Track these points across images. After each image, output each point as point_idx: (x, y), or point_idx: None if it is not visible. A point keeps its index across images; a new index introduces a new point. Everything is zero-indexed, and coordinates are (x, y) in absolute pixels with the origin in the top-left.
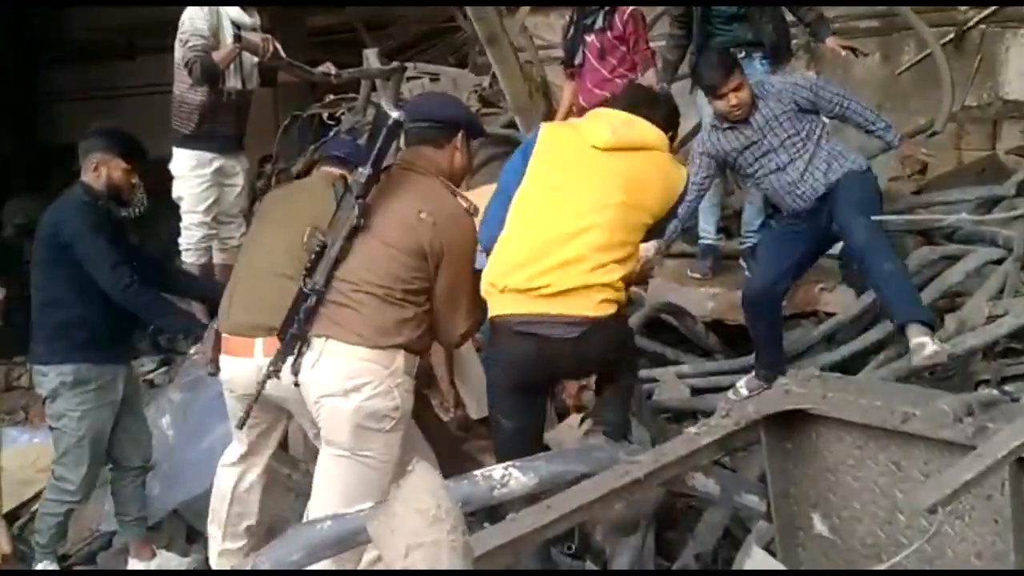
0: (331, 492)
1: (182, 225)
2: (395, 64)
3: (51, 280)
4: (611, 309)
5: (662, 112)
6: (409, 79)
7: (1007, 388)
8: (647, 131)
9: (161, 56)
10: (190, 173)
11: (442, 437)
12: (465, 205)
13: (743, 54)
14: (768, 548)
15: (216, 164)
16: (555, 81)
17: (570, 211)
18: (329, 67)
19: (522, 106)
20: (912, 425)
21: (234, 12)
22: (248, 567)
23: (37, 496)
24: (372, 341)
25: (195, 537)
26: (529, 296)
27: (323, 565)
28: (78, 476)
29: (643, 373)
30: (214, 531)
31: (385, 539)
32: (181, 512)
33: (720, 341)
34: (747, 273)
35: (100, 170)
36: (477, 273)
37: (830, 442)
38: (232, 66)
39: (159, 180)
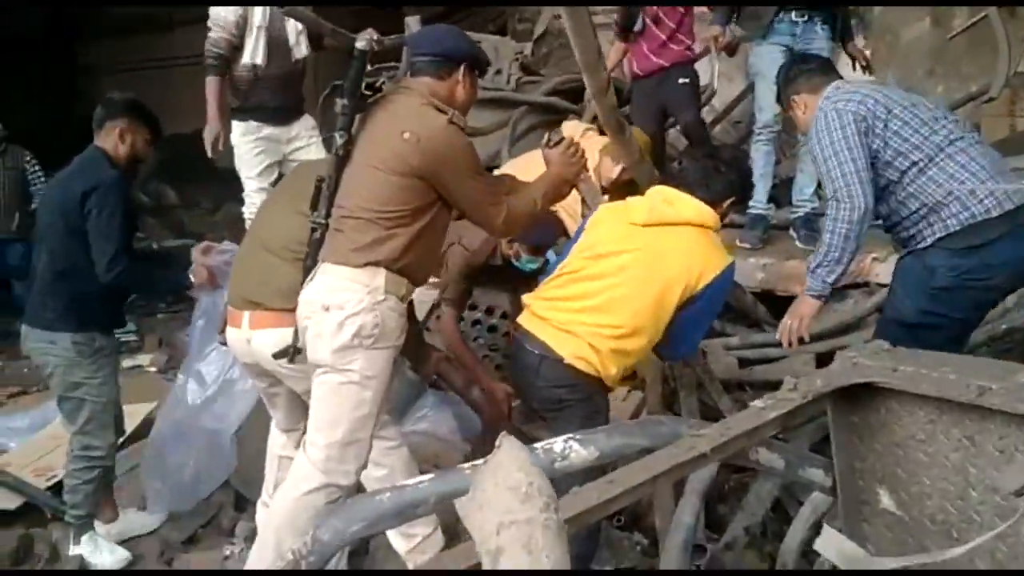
0: (320, 414)
1: (244, 195)
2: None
3: (72, 248)
4: (584, 367)
5: (720, 185)
6: None
7: None
8: (687, 209)
9: (199, 28)
10: (240, 141)
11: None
12: (447, 116)
13: (806, 17)
14: (830, 523)
15: (265, 132)
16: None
17: (595, 275)
18: (371, 33)
19: (591, 63)
20: (989, 399)
21: None
22: (307, 538)
23: None
24: (350, 260)
25: (244, 505)
26: (545, 322)
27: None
28: (105, 441)
29: None
30: (265, 498)
31: (474, 516)
32: (230, 479)
33: (769, 312)
34: (798, 243)
35: (126, 137)
36: (488, 169)
37: (900, 416)
38: (253, 44)
39: (199, 149)
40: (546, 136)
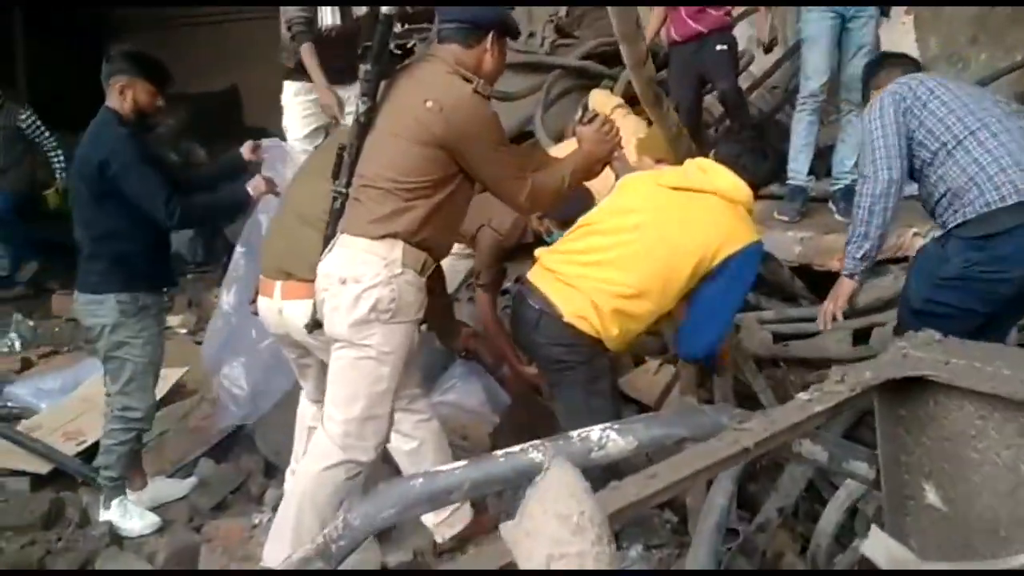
0: (338, 389)
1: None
2: None
3: (103, 215)
4: (583, 326)
5: (763, 170)
6: None
7: None
8: (723, 179)
9: None
10: (291, 101)
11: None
12: (472, 85)
13: None
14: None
15: (315, 95)
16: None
17: (609, 229)
18: None
19: (629, 34)
20: None
21: None
22: (338, 523)
23: None
24: (368, 231)
25: (273, 472)
26: (551, 274)
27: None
28: (144, 403)
29: None
30: (294, 465)
31: (521, 543)
32: (259, 447)
33: (806, 287)
34: (837, 216)
35: (126, 93)
36: (513, 142)
37: (949, 410)
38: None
39: (227, 109)
40: (579, 112)
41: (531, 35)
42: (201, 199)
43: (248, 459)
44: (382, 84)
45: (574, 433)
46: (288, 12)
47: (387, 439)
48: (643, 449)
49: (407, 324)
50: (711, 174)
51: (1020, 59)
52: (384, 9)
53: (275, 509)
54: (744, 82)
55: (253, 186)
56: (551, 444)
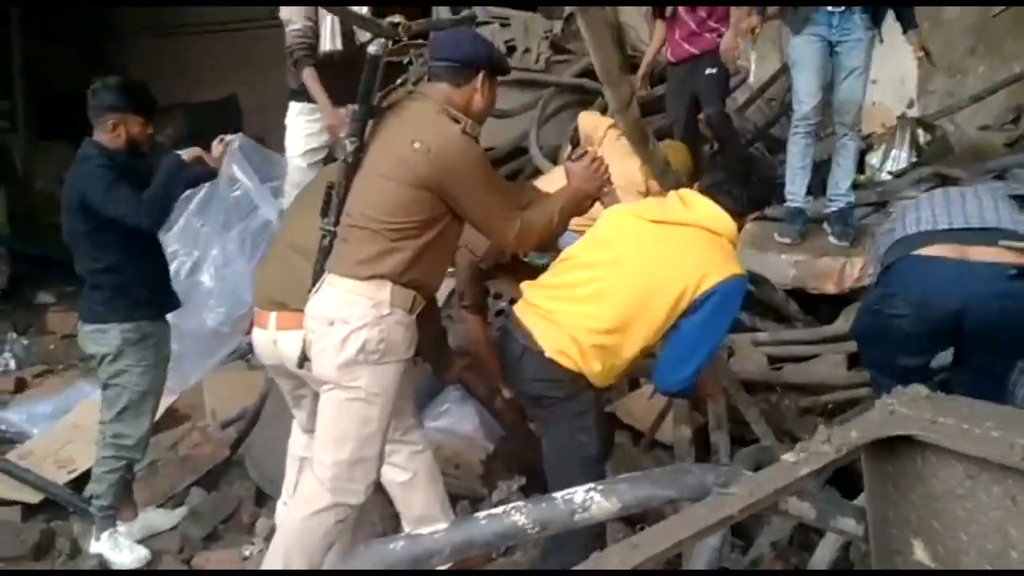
0: (326, 432)
1: (287, 172)
2: (465, 13)
3: (99, 249)
4: (564, 362)
5: (748, 196)
6: (479, 24)
7: None
8: (704, 211)
9: None
10: (294, 121)
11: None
12: (460, 126)
13: (843, 8)
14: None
15: (320, 114)
16: (627, 21)
17: (588, 263)
18: (397, 18)
19: (612, 79)
20: None
21: None
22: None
23: None
24: (355, 272)
25: (264, 501)
26: (533, 308)
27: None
28: (137, 432)
29: None
30: (285, 498)
31: None
32: (251, 475)
33: (801, 309)
34: (831, 238)
35: (119, 129)
36: (503, 181)
37: (937, 469)
38: (330, 29)
39: (226, 119)
40: (568, 148)
41: (526, 51)
42: (159, 191)
43: (239, 487)
44: (370, 123)
45: (558, 495)
46: (289, 36)
47: (377, 480)
48: (627, 511)
49: (396, 364)
50: (692, 207)
51: (1018, 71)
52: (371, 49)
53: (267, 540)
54: (742, 95)
55: (188, 153)
56: (534, 507)
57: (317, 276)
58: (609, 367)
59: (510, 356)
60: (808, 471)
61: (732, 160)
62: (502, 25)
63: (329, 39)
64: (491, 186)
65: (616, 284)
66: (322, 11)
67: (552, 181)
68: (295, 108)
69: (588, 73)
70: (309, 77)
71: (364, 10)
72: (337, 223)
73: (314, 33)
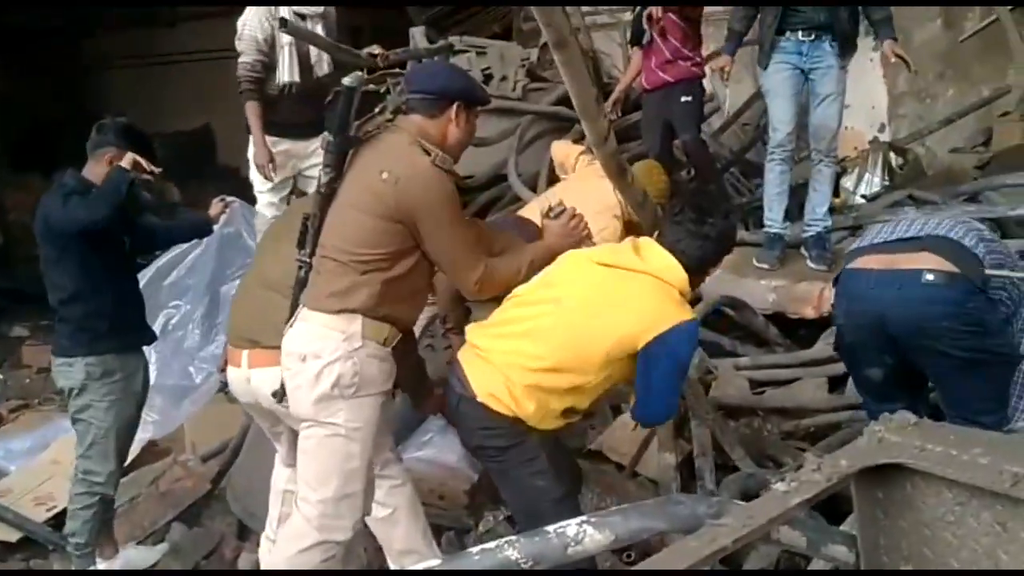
0: (309, 470)
1: (256, 208)
2: (442, 42)
3: (64, 277)
4: (496, 406)
5: (702, 253)
6: (455, 52)
7: None
8: (657, 261)
9: (202, 24)
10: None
11: None
12: (430, 158)
13: (812, 36)
14: None
15: (282, 146)
16: (601, 49)
17: (532, 301)
18: (376, 49)
19: (590, 112)
20: (1023, 490)
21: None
22: None
23: None
24: (326, 306)
25: (246, 535)
26: (472, 349)
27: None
28: (105, 469)
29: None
30: (267, 534)
31: None
32: (233, 509)
33: (781, 333)
34: (809, 263)
35: (114, 164)
36: (474, 222)
37: (927, 496)
38: (287, 61)
39: (200, 149)
40: (546, 205)
41: (503, 79)
42: (107, 190)
43: (221, 522)
44: (349, 154)
45: (550, 528)
46: (239, 69)
47: (364, 515)
48: (620, 543)
49: (374, 397)
50: (645, 255)
51: (987, 94)
52: (346, 81)
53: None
54: (717, 120)
55: (127, 161)
56: (527, 540)
57: (294, 309)
58: (544, 408)
59: (450, 407)
60: (800, 500)
61: (685, 217)
62: (478, 54)
63: (287, 71)
64: (457, 223)
65: (555, 322)
66: (280, 43)
67: (560, 194)
68: (252, 143)
69: (565, 101)
70: (250, 110)
71: (324, 70)
72: (312, 254)
73: (264, 67)
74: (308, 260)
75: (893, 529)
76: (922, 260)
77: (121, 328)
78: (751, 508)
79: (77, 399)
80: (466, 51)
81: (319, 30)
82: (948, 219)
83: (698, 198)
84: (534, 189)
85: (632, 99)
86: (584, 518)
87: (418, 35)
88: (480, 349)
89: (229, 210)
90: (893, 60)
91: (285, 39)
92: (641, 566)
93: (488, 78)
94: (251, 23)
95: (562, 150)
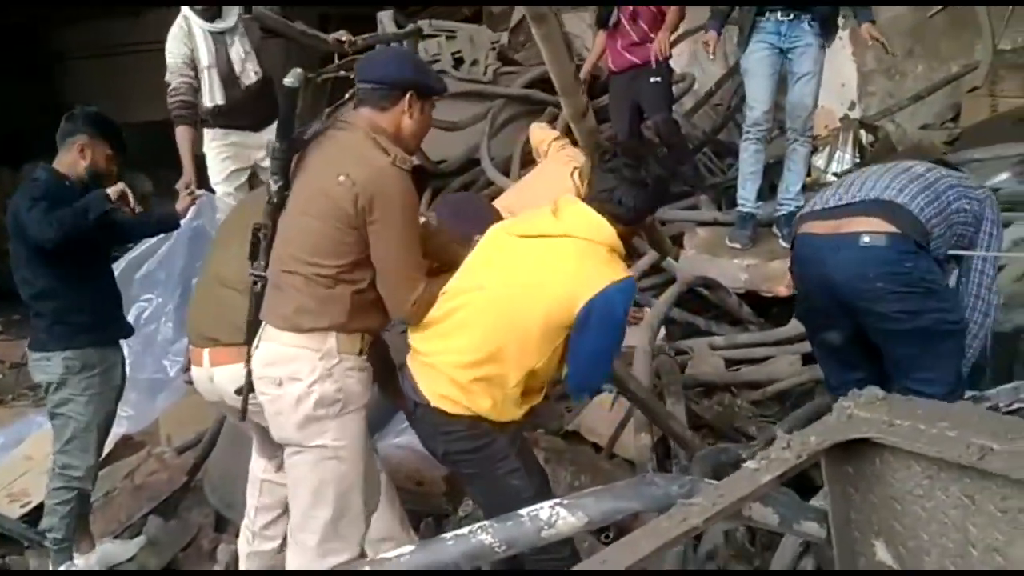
0: (303, 498)
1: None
2: (410, 26)
3: (34, 273)
4: (451, 408)
5: (637, 202)
6: (425, 37)
7: None
8: (578, 220)
9: (172, 12)
10: (208, 147)
11: None
12: (389, 158)
13: (792, 16)
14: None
15: (232, 138)
16: (572, 31)
17: (453, 292)
18: (343, 34)
19: (568, 88)
20: (989, 462)
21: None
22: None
23: None
24: (295, 324)
25: (224, 526)
26: (415, 355)
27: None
28: (84, 463)
29: (675, 344)
30: (247, 524)
31: None
32: (210, 500)
33: (754, 312)
34: (782, 242)
35: (85, 152)
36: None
37: (896, 469)
38: (207, 84)
39: (168, 139)
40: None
41: (474, 63)
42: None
43: (198, 514)
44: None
45: (524, 512)
46: (169, 96)
47: (367, 528)
48: (594, 525)
49: (359, 411)
50: (564, 217)
51: (956, 70)
52: (287, 81)
53: (228, 567)
54: (689, 100)
55: (114, 190)
56: (500, 525)
57: (253, 326)
58: (501, 399)
59: (408, 416)
60: (769, 478)
61: (619, 164)
62: (448, 38)
63: (209, 94)
64: (411, 229)
65: (480, 309)
66: (202, 65)
67: (517, 195)
68: (208, 135)
69: (536, 84)
70: (179, 136)
71: (252, 80)
72: (267, 267)
73: (193, 90)
74: (263, 274)
75: (863, 504)
76: (861, 223)
77: (99, 322)
78: (722, 487)
79: (56, 394)
80: (436, 35)
81: (237, 43)
82: (902, 176)
83: (630, 144)
84: (507, 173)
85: (601, 82)
86: (557, 501)
87: (386, 19)
88: (421, 353)
89: (198, 203)
90: (871, 43)
91: (204, 63)
92: (613, 546)
93: (459, 62)
94: (171, 49)
95: (537, 134)
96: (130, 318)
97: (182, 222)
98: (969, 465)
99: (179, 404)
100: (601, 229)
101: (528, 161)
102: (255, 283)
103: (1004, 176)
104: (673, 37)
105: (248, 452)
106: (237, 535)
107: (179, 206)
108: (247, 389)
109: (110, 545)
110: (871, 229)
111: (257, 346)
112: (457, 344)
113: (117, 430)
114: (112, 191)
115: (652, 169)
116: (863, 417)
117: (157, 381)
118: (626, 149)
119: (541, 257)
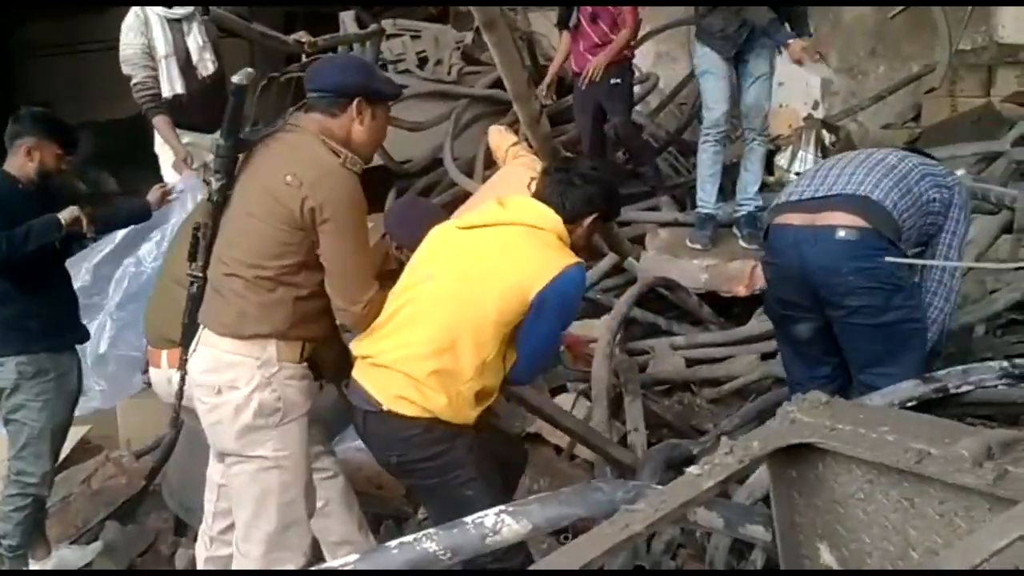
0: (245, 509)
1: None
2: (373, 27)
3: None
4: (407, 410)
5: (573, 201)
6: (389, 36)
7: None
8: (525, 210)
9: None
10: (162, 148)
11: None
12: (339, 160)
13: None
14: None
15: (187, 138)
16: (538, 31)
17: (404, 286)
18: (303, 35)
19: (522, 94)
20: (926, 467)
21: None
22: None
23: None
24: (234, 330)
25: (183, 531)
26: (363, 362)
27: None
28: (39, 469)
29: (637, 344)
30: (204, 529)
31: None
32: (168, 505)
33: (714, 312)
34: (741, 242)
35: (33, 154)
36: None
37: (838, 474)
38: (166, 74)
39: (137, 133)
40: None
41: (438, 63)
42: (32, 223)
43: (156, 519)
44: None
45: (468, 519)
46: (135, 91)
47: (311, 537)
48: (540, 532)
49: (299, 420)
50: (511, 208)
51: (917, 70)
52: (235, 79)
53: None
54: (654, 99)
55: (67, 214)
56: (445, 533)
57: (189, 331)
58: (456, 395)
59: (357, 429)
60: (712, 483)
61: (551, 169)
62: (412, 37)
63: (167, 84)
64: (361, 231)
65: (435, 298)
66: (159, 55)
67: (486, 194)
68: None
69: (500, 84)
70: (158, 124)
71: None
72: (206, 267)
73: (156, 82)
74: (201, 275)
75: (807, 508)
76: (837, 217)
77: (54, 327)
78: (665, 492)
79: (9, 399)
80: (399, 35)
81: (195, 32)
82: (876, 170)
83: (566, 157)
84: (470, 174)
85: (568, 82)
86: (502, 508)
87: (348, 19)
88: (371, 356)
89: (171, 197)
90: (816, 58)
91: (161, 52)
92: (555, 553)
93: (423, 61)
94: (128, 40)
95: (495, 139)
96: (113, 281)
97: (152, 213)
98: (907, 469)
99: (138, 407)
100: (547, 217)
101: (492, 162)
102: (192, 284)
103: (959, 175)
104: (640, 36)
105: (206, 456)
106: (196, 540)
107: (151, 197)
108: (179, 396)
109: (66, 551)
110: (846, 223)
111: (194, 351)
112: (410, 337)
113: (91, 404)
114: (65, 215)
115: (583, 170)
116: (805, 422)
117: (135, 358)
118: (560, 158)
119: (490, 245)
